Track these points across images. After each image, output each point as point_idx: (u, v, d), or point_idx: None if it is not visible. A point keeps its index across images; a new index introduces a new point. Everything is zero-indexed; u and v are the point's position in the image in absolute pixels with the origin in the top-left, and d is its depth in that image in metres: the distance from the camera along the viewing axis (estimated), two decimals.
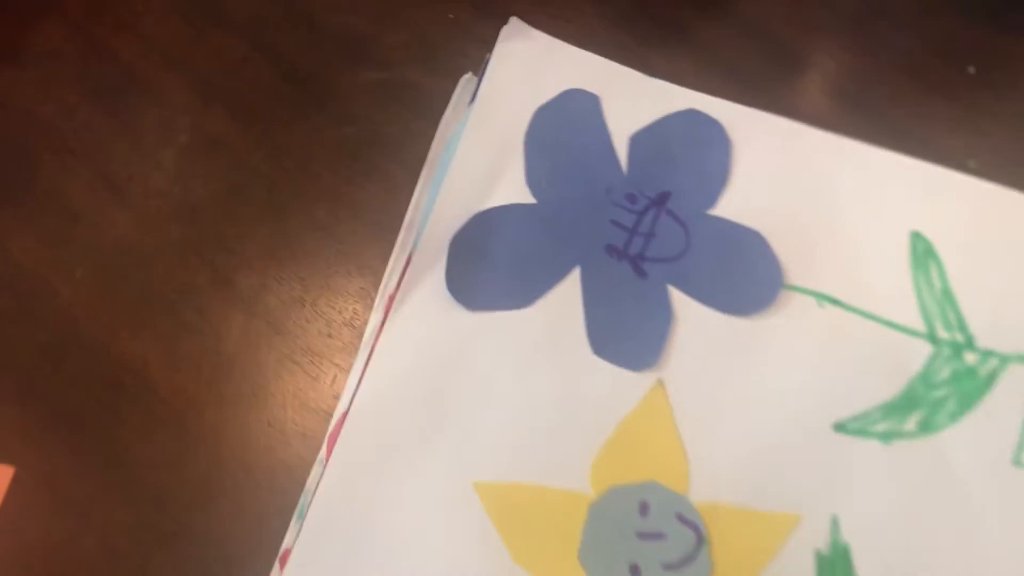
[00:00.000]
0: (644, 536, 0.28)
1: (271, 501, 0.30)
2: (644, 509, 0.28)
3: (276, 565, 0.29)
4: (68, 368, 0.31)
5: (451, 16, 0.34)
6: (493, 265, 0.31)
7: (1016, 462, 0.29)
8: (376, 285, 0.32)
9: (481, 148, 0.32)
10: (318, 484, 0.29)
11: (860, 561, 0.28)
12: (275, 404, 0.31)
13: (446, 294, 0.31)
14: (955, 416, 0.29)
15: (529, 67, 0.33)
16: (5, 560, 0.30)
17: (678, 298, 0.31)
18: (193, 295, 0.32)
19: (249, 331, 0.31)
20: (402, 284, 0.31)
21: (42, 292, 0.32)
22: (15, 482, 0.30)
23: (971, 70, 0.33)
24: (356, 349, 0.31)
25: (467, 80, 0.34)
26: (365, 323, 0.31)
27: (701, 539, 0.28)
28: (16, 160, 0.34)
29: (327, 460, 0.29)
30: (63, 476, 0.30)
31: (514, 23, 0.34)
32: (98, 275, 0.32)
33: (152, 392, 0.31)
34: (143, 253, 0.33)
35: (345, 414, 0.30)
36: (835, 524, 0.28)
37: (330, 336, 0.31)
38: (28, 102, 0.35)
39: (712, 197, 0.32)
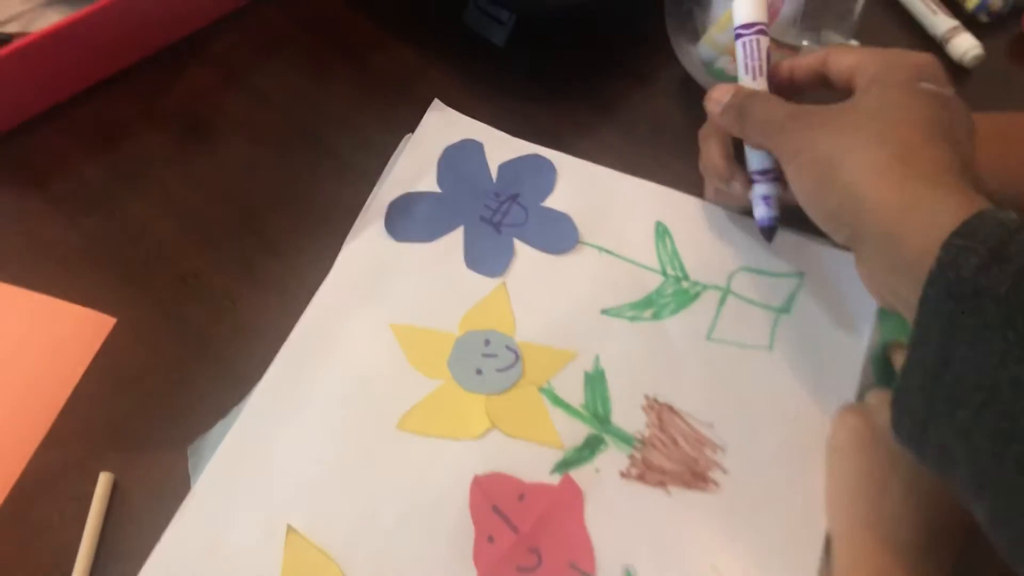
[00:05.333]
0: (486, 356, 0.48)
1: None
2: (487, 343, 0.49)
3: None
4: None
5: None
6: (413, 219, 0.53)
7: (708, 338, 0.50)
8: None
9: (412, 161, 0.56)
10: None
11: (612, 381, 0.48)
12: None
13: (384, 231, 0.53)
14: (673, 312, 0.51)
15: (442, 125, 0.58)
16: None
17: (519, 245, 0.53)
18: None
19: None
20: (355, 225, 0.53)
21: None
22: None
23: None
24: None
25: (408, 136, 0.58)
26: None
27: (517, 357, 0.48)
28: None
29: None
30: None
31: (436, 103, 0.58)
32: None
33: None
34: None
35: None
36: (597, 359, 0.49)
37: None
38: None
39: (543, 197, 0.55)
